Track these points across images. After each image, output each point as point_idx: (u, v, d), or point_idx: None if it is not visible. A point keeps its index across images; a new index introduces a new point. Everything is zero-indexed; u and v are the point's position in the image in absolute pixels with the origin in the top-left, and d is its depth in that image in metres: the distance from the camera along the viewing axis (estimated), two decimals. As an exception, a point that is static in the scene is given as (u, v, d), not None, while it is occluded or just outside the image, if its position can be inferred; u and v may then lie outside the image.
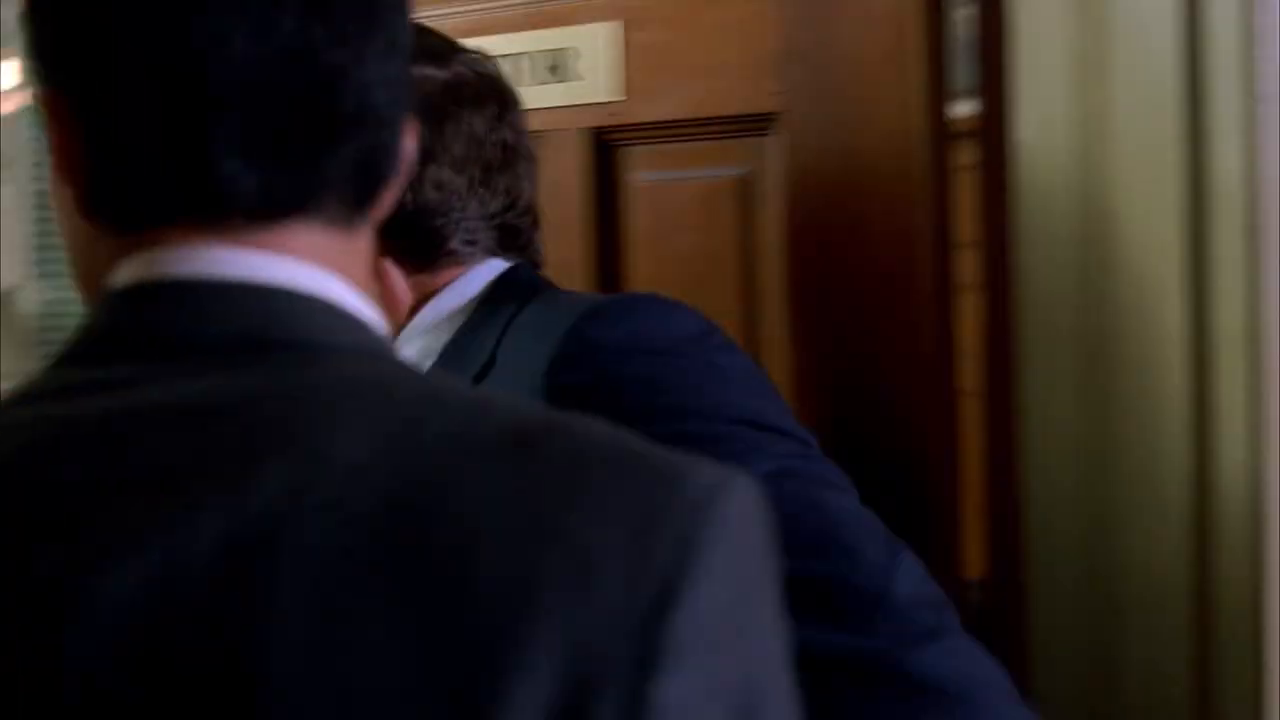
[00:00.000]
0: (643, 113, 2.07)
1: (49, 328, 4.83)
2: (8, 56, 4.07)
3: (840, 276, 1.81)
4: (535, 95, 2.04)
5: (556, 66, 2.17)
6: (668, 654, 0.72)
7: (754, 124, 1.96)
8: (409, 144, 0.93)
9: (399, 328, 1.55)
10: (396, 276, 1.53)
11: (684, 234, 2.04)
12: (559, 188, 2.03)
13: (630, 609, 0.72)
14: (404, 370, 0.86)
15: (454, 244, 1.55)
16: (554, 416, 0.80)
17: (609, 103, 2.10)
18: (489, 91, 1.59)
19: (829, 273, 1.82)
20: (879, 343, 1.78)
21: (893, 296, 1.76)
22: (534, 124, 1.70)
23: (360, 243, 0.91)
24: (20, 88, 4.18)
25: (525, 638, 0.71)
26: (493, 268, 1.58)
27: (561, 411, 0.80)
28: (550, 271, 1.67)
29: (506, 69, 1.70)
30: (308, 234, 0.87)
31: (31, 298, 4.96)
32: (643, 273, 2.07)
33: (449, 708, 0.71)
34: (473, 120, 1.55)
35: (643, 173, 2.10)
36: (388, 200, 0.93)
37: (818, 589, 1.30)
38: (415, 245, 1.54)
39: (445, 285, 1.56)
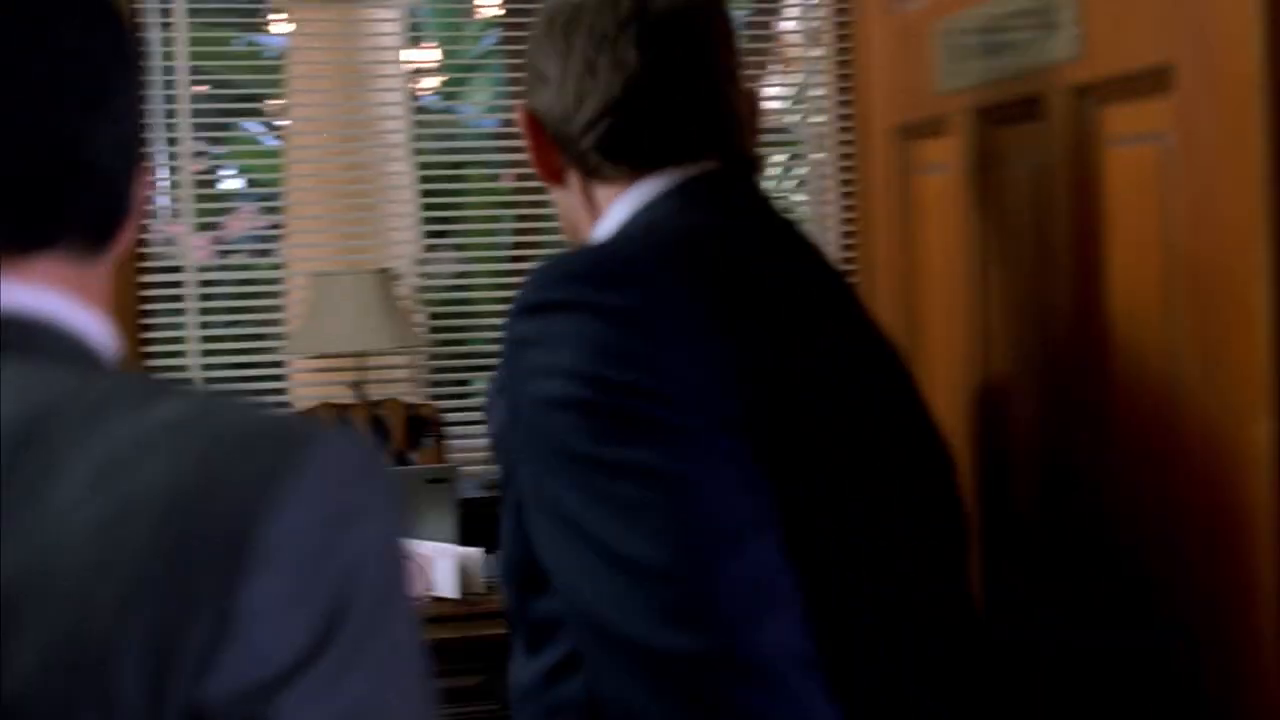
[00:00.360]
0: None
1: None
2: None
3: None
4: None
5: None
6: (254, 560, 0.95)
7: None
8: (141, 192, 1.20)
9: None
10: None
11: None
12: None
13: (225, 526, 0.95)
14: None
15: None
16: (207, 403, 1.04)
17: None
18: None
19: None
20: None
21: None
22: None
23: (100, 269, 1.17)
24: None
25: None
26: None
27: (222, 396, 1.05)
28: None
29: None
30: (52, 265, 1.12)
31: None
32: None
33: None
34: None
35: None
36: (125, 238, 1.18)
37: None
38: None
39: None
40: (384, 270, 5.18)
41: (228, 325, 5.63)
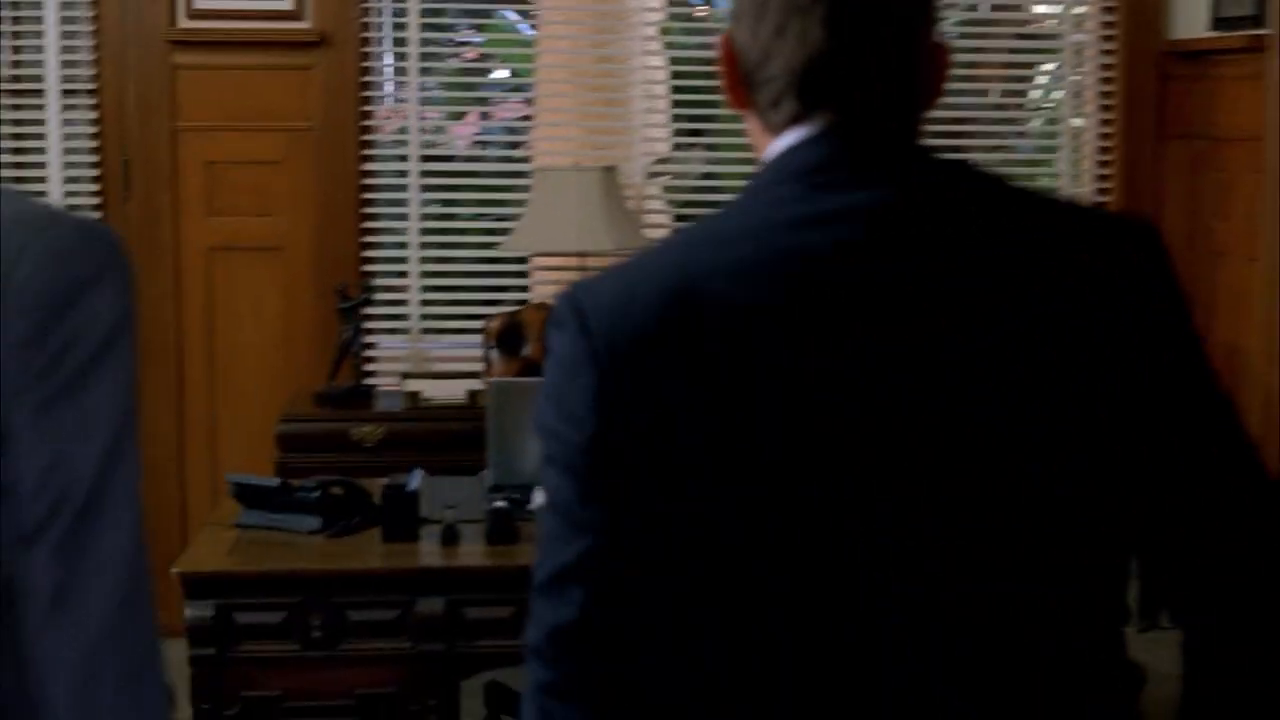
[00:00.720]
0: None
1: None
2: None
3: None
4: None
5: None
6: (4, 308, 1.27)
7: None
8: None
9: None
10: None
11: None
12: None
13: None
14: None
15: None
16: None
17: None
18: None
19: None
20: None
21: None
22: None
23: None
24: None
25: None
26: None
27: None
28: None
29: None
30: None
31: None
32: None
33: None
34: None
35: None
36: None
37: None
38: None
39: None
40: (609, 168, 5.00)
41: (443, 218, 5.53)
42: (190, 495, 5.40)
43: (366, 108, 5.38)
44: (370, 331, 5.38)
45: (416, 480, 3.66)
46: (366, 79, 5.38)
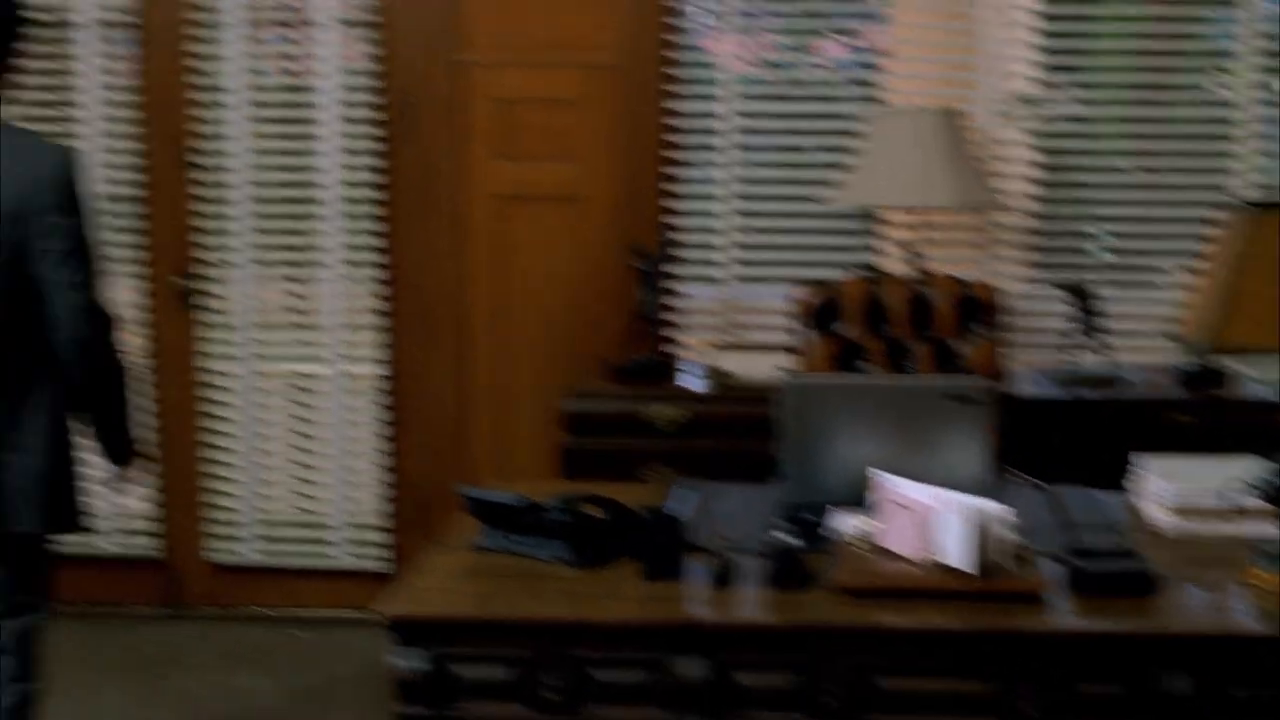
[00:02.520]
0: None
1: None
2: None
3: None
4: None
5: None
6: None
7: None
8: None
9: None
10: None
11: None
12: None
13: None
14: None
15: None
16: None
17: None
18: None
19: None
20: None
21: None
22: None
23: None
24: None
25: None
26: None
27: None
28: None
29: None
30: None
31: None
32: None
33: None
34: None
35: None
36: None
37: None
38: None
39: None
40: (952, 110, 4.23)
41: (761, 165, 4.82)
42: (467, 463, 4.90)
43: (675, 39, 4.72)
44: (671, 294, 4.74)
45: (687, 504, 2.99)
46: (676, 4, 4.71)
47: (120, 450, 3.35)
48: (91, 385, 3.26)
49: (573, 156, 4.76)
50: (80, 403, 3.27)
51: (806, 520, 2.97)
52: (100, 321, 3.22)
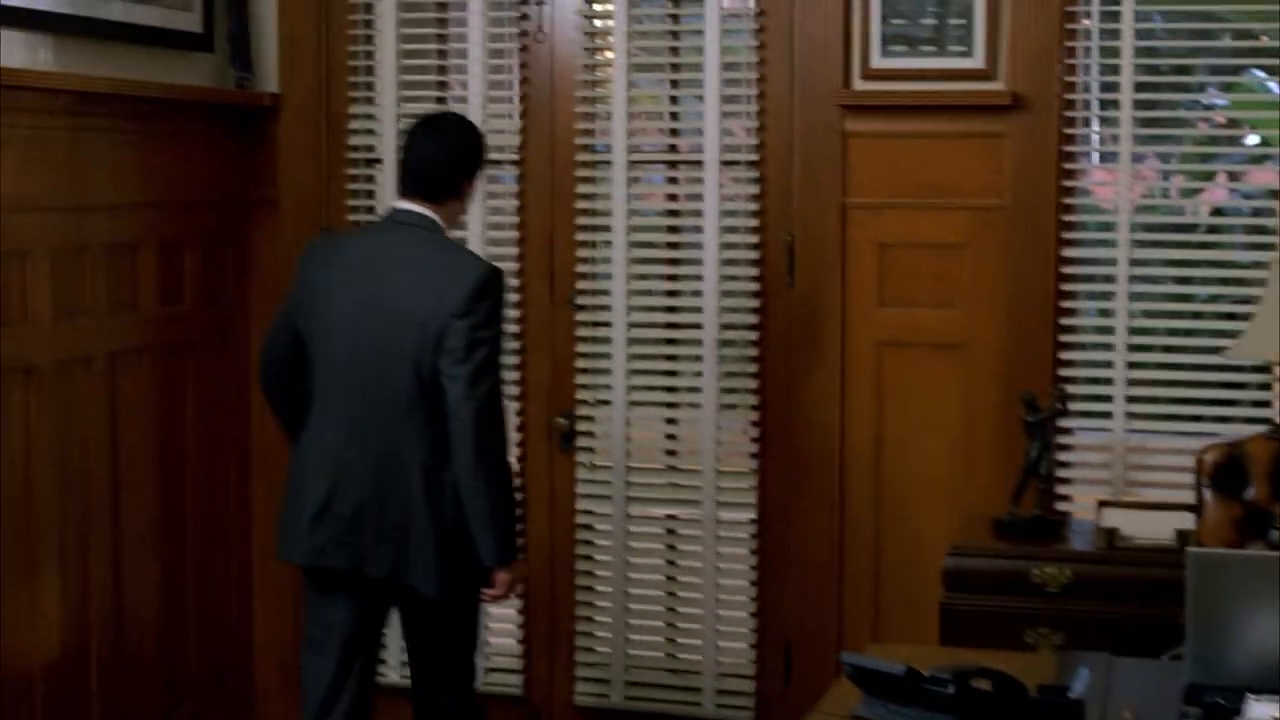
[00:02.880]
0: None
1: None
2: None
3: None
4: None
5: None
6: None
7: None
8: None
9: None
10: None
11: None
12: None
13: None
14: None
15: None
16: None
17: None
18: None
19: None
20: None
21: None
22: None
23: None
24: None
25: None
26: None
27: None
28: None
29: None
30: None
31: None
32: None
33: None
34: None
35: None
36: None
37: None
38: None
39: None
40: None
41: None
42: (841, 616, 4.75)
43: (1068, 183, 4.53)
44: (1061, 447, 4.51)
45: (1082, 683, 2.78)
46: (1069, 148, 4.52)
47: (503, 547, 3.74)
48: (478, 470, 3.66)
49: (959, 302, 4.60)
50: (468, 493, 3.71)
51: (1218, 706, 2.73)
52: (492, 422, 3.68)
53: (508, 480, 3.82)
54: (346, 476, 3.80)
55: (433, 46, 5.03)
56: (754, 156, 4.73)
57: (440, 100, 5.01)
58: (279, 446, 4.48)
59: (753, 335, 4.77)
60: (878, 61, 4.60)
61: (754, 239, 4.74)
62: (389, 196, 4.75)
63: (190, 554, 4.86)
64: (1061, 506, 4.52)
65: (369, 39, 5.00)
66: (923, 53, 4.58)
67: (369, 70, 5.01)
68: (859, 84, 4.63)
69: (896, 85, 4.61)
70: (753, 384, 4.79)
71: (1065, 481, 4.57)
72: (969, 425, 4.61)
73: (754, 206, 4.74)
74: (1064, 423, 4.49)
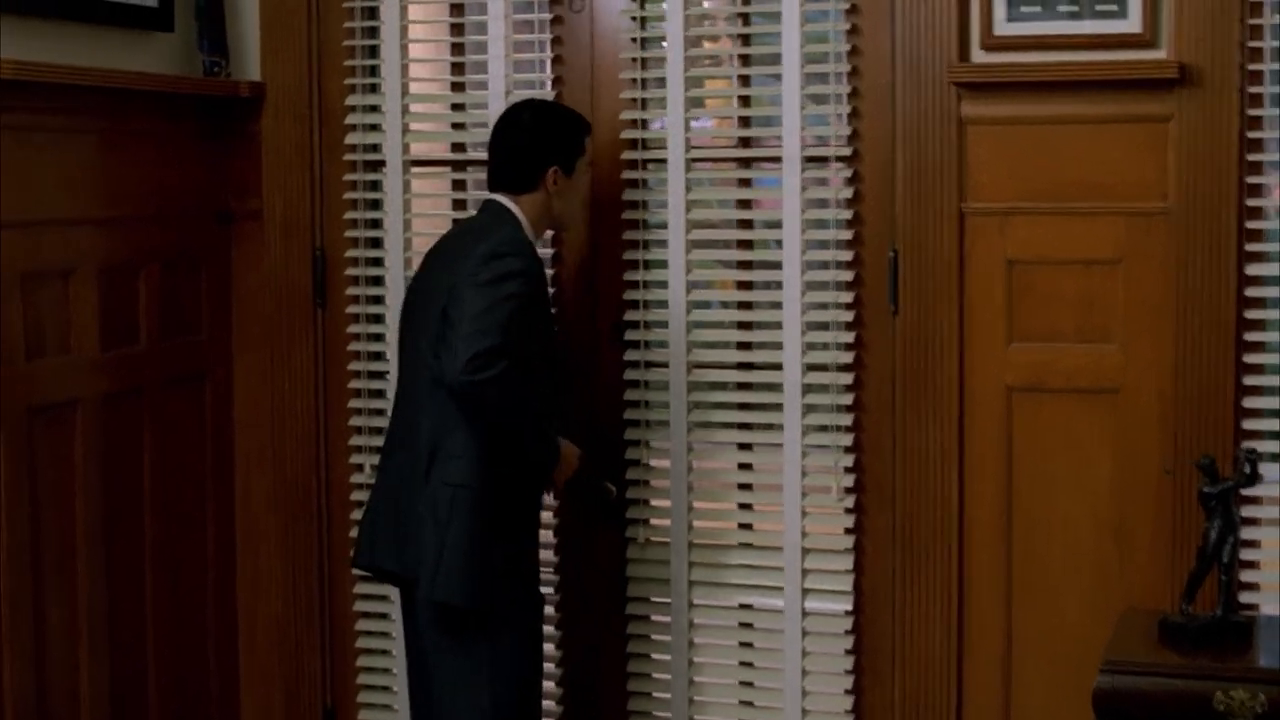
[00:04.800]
0: None
1: None
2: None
3: None
4: None
5: None
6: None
7: None
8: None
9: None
10: None
11: None
12: None
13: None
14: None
15: None
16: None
17: None
18: None
19: None
20: None
21: None
22: None
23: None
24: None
25: None
26: None
27: None
28: None
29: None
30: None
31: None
32: None
33: None
34: None
35: None
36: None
37: None
38: None
39: None
40: None
41: None
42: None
43: (1253, 179, 3.69)
44: (1251, 523, 3.62)
45: None
46: (1254, 134, 3.68)
47: (544, 451, 3.79)
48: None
49: (1112, 334, 3.82)
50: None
51: None
52: (493, 399, 3.58)
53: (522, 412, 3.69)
54: (383, 473, 3.92)
55: (446, 20, 4.35)
56: (846, 151, 3.97)
57: (456, 86, 4.37)
58: (270, 510, 4.10)
59: (846, 378, 3.99)
60: (1003, 28, 3.87)
61: (847, 255, 3.96)
62: (396, 203, 4.31)
63: (151, 654, 4.11)
64: (1250, 599, 3.72)
65: (371, 12, 4.32)
66: (1061, 14, 3.84)
67: (371, 52, 4.35)
68: (979, 56, 3.92)
69: (1028, 56, 3.89)
70: (846, 439, 4.01)
71: (1254, 566, 3.75)
72: (1124, 494, 3.84)
73: (847, 214, 3.97)
74: (1252, 491, 3.67)
